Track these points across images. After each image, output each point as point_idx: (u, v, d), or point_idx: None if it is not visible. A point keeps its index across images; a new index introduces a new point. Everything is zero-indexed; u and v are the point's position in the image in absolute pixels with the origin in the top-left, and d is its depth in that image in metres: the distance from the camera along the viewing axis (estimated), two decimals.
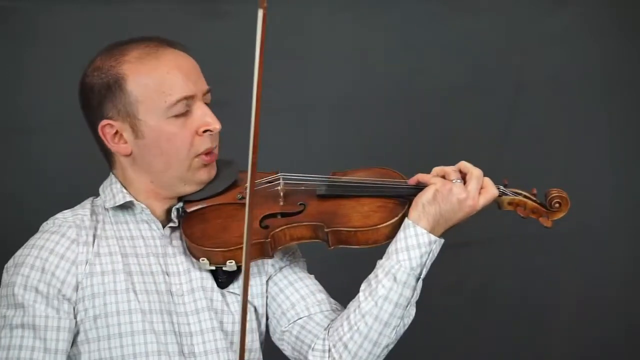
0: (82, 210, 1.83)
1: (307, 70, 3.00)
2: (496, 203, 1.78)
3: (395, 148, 2.98)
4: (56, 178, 2.77)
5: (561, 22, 3.09)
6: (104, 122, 1.78)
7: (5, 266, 1.78)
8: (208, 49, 2.91)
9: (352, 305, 1.75)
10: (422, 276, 1.75)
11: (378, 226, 1.72)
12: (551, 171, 3.10)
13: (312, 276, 1.90)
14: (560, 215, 1.78)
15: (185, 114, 1.77)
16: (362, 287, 1.75)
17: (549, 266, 3.11)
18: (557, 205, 1.77)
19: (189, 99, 1.76)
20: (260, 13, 1.50)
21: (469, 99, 3.06)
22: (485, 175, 1.78)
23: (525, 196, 1.79)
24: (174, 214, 1.82)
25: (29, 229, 1.86)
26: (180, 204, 1.84)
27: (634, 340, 3.15)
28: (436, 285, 3.08)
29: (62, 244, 1.76)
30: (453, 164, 1.76)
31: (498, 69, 3.06)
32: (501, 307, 3.11)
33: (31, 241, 1.78)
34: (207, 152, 1.80)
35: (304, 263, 1.92)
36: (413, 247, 1.71)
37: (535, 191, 1.80)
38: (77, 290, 1.75)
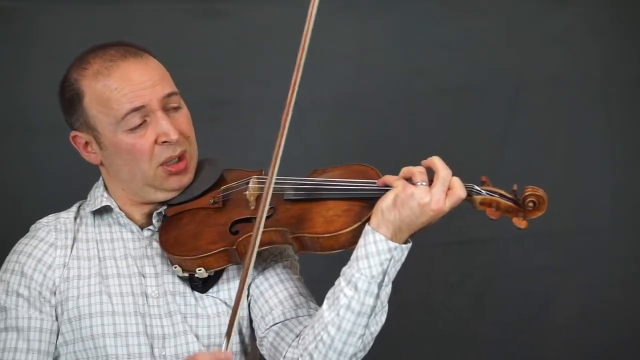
0: (67, 213, 1.87)
1: (306, 70, 2.99)
2: (469, 202, 1.66)
3: (394, 148, 2.98)
4: (56, 178, 2.78)
5: (561, 22, 3.09)
6: (73, 133, 1.84)
7: None
8: (208, 49, 2.93)
9: (318, 313, 1.71)
10: (386, 283, 1.66)
11: (340, 232, 1.65)
12: (551, 171, 3.10)
13: (297, 277, 1.86)
14: (537, 214, 1.65)
15: (142, 125, 1.77)
16: (328, 294, 1.70)
17: (549, 266, 3.11)
18: (531, 204, 1.64)
19: (138, 110, 1.76)
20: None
21: (469, 99, 3.06)
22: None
23: (500, 195, 1.65)
24: (154, 218, 1.84)
25: (29, 229, 1.87)
26: (164, 207, 1.84)
27: (635, 340, 3.15)
28: (436, 285, 3.10)
29: (39, 247, 1.81)
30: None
31: (498, 69, 3.06)
32: (501, 307, 3.11)
33: (14, 247, 1.83)
34: (172, 161, 1.79)
35: (291, 262, 1.88)
36: (372, 255, 1.63)
37: (515, 187, 1.67)
38: (55, 294, 1.78)
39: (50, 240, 1.81)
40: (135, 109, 1.75)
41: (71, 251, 1.81)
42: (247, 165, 1.89)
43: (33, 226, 1.86)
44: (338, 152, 2.98)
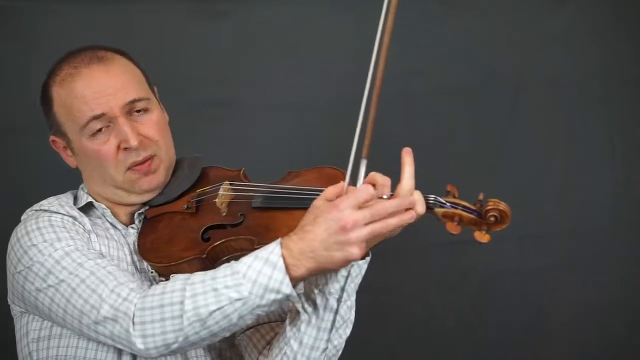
0: (65, 197, 1.86)
1: (306, 70, 3.00)
2: (432, 215, 1.61)
3: (394, 148, 2.97)
4: (56, 178, 2.77)
5: (561, 22, 3.09)
6: (51, 137, 1.86)
7: (15, 261, 1.73)
8: (208, 49, 2.92)
9: (283, 326, 1.71)
10: (345, 298, 1.65)
11: None
12: (551, 171, 3.10)
13: None
14: (500, 227, 1.62)
15: (105, 130, 1.77)
16: (291, 307, 1.69)
17: (549, 266, 3.11)
18: (492, 219, 1.59)
19: (99, 117, 1.76)
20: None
21: (469, 99, 3.06)
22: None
23: (464, 207, 1.60)
24: (136, 219, 1.84)
25: (28, 214, 1.86)
26: (145, 208, 1.85)
27: (634, 340, 3.15)
28: (435, 285, 3.10)
29: (67, 220, 1.76)
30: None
31: (498, 69, 3.06)
32: (500, 307, 3.11)
33: (24, 227, 1.73)
34: (138, 165, 1.79)
35: None
36: (329, 272, 1.61)
37: (481, 197, 1.62)
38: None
39: (67, 213, 1.78)
40: (96, 117, 1.76)
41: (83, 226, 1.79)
42: (243, 164, 1.88)
43: (35, 208, 1.79)
44: (338, 152, 2.97)
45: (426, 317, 3.08)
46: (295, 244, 1.49)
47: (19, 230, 1.75)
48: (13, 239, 1.75)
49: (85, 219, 1.80)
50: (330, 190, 1.52)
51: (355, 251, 1.46)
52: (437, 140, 3.02)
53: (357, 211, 1.46)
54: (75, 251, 1.67)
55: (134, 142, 1.76)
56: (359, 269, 1.64)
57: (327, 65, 2.99)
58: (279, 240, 1.51)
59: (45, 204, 1.81)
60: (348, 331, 1.69)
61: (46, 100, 1.82)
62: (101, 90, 1.76)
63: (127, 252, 1.82)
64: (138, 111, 1.80)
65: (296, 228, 1.51)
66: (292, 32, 2.96)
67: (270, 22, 2.97)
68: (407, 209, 1.50)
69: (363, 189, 1.48)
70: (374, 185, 1.56)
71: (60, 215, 1.76)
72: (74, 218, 1.78)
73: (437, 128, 3.03)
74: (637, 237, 3.15)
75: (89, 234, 1.77)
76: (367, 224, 1.46)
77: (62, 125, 1.81)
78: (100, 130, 1.77)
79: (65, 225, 1.73)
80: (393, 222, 1.48)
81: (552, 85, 3.09)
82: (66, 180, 2.71)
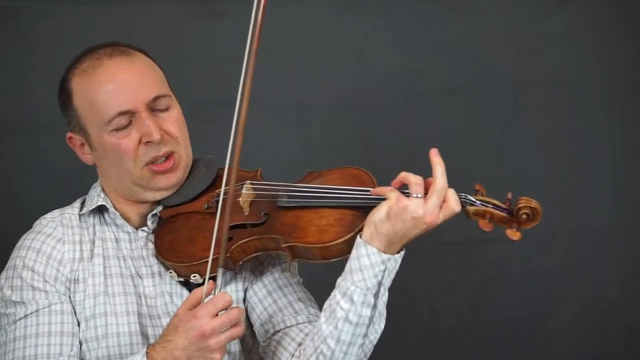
0: (71, 209, 1.88)
1: (306, 70, 3.00)
2: (463, 213, 1.63)
3: (394, 148, 2.97)
4: (56, 178, 2.78)
5: (561, 22, 3.09)
6: (69, 134, 1.85)
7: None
8: (208, 49, 2.92)
9: (316, 325, 1.70)
10: (382, 293, 1.65)
11: (333, 242, 1.65)
12: (551, 171, 3.10)
13: (296, 280, 1.86)
14: (531, 224, 1.62)
15: (127, 125, 1.77)
16: (324, 306, 1.69)
17: (549, 266, 3.11)
18: (524, 216, 1.61)
19: (125, 113, 1.76)
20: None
21: (469, 100, 3.06)
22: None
23: (494, 205, 1.62)
24: (149, 220, 1.84)
25: (29, 229, 1.87)
26: (159, 208, 1.85)
27: (635, 340, 3.15)
28: (437, 285, 3.10)
29: (47, 243, 1.80)
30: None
31: (498, 70, 3.06)
32: (502, 307, 3.11)
33: (19, 242, 1.82)
34: (157, 161, 1.80)
35: (289, 264, 1.87)
36: (366, 268, 1.61)
37: (510, 196, 1.64)
38: (68, 287, 1.78)
39: (58, 236, 1.81)
40: (122, 113, 1.76)
41: (79, 247, 1.81)
42: (245, 165, 1.89)
43: (37, 222, 1.85)
44: (338, 152, 2.98)
45: (429, 316, 3.09)
46: (159, 354, 1.59)
47: (19, 242, 1.82)
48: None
49: (76, 231, 1.83)
50: (194, 296, 1.61)
51: (217, 356, 1.57)
52: (436, 140, 3.00)
53: (215, 319, 1.56)
54: (23, 319, 1.74)
55: (156, 135, 1.76)
56: (395, 262, 1.64)
57: (327, 65, 2.99)
58: (144, 350, 1.61)
59: (44, 222, 1.84)
60: (382, 325, 1.69)
61: (65, 94, 1.81)
62: (125, 83, 1.76)
63: (121, 254, 1.83)
64: (160, 109, 1.80)
65: (159, 337, 1.62)
66: (292, 32, 2.95)
67: (271, 22, 2.96)
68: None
69: (220, 297, 1.58)
70: (404, 185, 1.62)
71: (40, 243, 1.79)
72: (62, 242, 1.80)
73: (437, 128, 3.03)
74: (637, 237, 3.15)
75: (73, 244, 1.80)
76: (225, 330, 1.57)
77: (83, 120, 1.80)
78: (125, 126, 1.77)
79: (34, 267, 1.77)
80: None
81: (552, 85, 3.09)
82: (66, 180, 2.72)
